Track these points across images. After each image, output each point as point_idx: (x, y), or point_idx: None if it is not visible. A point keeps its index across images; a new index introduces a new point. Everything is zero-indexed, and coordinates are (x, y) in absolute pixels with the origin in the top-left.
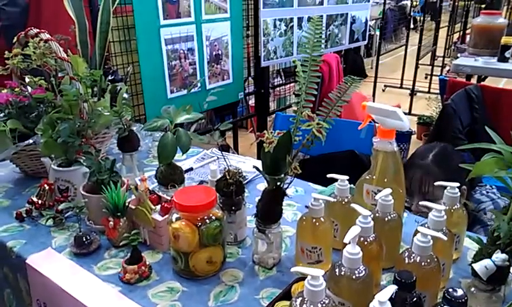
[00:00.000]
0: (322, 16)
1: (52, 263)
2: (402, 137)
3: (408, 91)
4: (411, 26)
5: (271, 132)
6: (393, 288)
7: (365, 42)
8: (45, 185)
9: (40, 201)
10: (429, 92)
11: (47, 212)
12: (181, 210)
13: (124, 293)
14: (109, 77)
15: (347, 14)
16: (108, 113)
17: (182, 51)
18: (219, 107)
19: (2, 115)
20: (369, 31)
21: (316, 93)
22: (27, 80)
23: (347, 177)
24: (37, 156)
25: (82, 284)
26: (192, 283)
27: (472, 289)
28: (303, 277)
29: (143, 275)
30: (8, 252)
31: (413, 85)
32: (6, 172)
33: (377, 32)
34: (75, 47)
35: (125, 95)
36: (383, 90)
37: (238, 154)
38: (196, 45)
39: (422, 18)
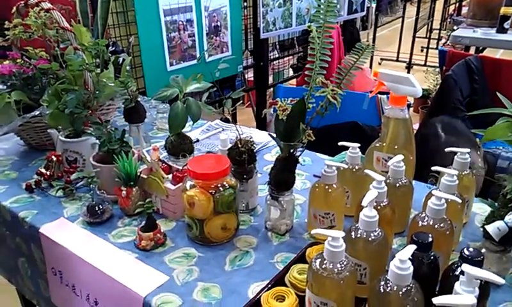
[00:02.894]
0: None
1: (66, 232)
2: None
3: (405, 64)
4: None
5: (284, 100)
6: (413, 248)
7: (363, 13)
8: (53, 157)
9: (48, 173)
10: (425, 65)
11: (57, 183)
12: (196, 178)
13: (141, 259)
14: (110, 48)
15: None
16: (113, 84)
17: (180, 22)
18: (218, 80)
19: (5, 87)
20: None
21: (329, 59)
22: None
23: (358, 144)
24: (43, 128)
25: (98, 252)
26: (208, 248)
27: (483, 250)
28: (315, 243)
29: (159, 242)
30: (21, 222)
31: (410, 58)
32: (9, 145)
33: (373, 5)
34: (75, 17)
35: (127, 67)
36: (379, 63)
37: None
38: (195, 16)
39: None
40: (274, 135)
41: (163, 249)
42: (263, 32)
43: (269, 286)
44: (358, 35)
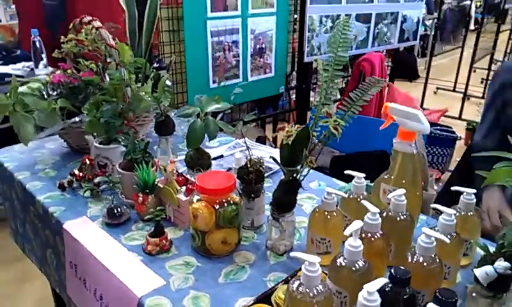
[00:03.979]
0: (339, 16)
1: (85, 229)
2: (448, 142)
3: (461, 95)
4: (472, 27)
5: (291, 126)
6: (383, 281)
7: (416, 42)
8: (87, 160)
9: (80, 174)
10: (483, 97)
11: (86, 184)
12: (201, 192)
13: (145, 262)
14: (155, 65)
15: (397, 13)
16: (149, 98)
17: (226, 43)
18: (261, 99)
19: (54, 94)
20: (425, 30)
21: (337, 90)
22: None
23: (364, 175)
24: (83, 133)
25: (108, 251)
26: (208, 260)
27: (474, 294)
28: None
29: (164, 249)
30: (50, 217)
31: (466, 89)
32: (55, 146)
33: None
34: (124, 35)
35: (168, 83)
36: (435, 92)
37: (276, 146)
38: (241, 38)
39: (482, 20)
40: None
41: (167, 255)
42: (307, 56)
43: (252, 302)
44: (415, 62)
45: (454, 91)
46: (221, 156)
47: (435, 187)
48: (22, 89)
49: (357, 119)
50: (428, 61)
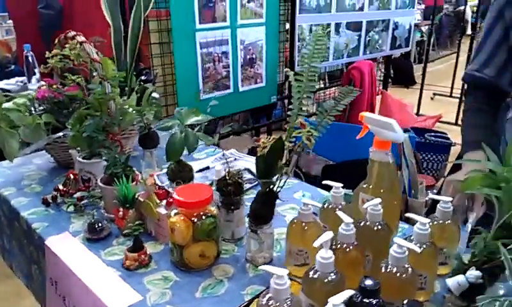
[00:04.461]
0: (329, 24)
1: (66, 245)
2: (442, 148)
3: (457, 100)
4: (469, 32)
5: (267, 138)
6: (349, 293)
7: (409, 48)
8: (71, 175)
9: (64, 189)
10: None
11: (69, 200)
12: (178, 205)
13: (123, 277)
14: (142, 77)
15: (389, 20)
16: (133, 112)
17: (216, 54)
18: (254, 108)
19: (40, 109)
20: (421, 36)
21: (311, 100)
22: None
23: (341, 185)
24: (67, 148)
25: (87, 267)
26: (186, 274)
27: (449, 304)
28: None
29: (142, 263)
30: (33, 233)
31: (461, 94)
32: (42, 161)
33: (431, 39)
34: (110, 49)
35: (156, 95)
36: (432, 98)
37: None
38: (231, 48)
39: (477, 25)
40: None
41: (146, 270)
42: (297, 65)
43: None
44: (411, 68)
45: (450, 96)
46: (207, 168)
47: (429, 194)
48: (7, 105)
49: (348, 128)
50: (423, 67)
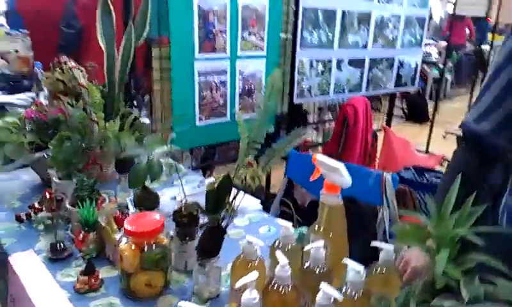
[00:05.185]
0: (330, 60)
1: (28, 263)
2: None
3: None
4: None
5: (218, 176)
6: None
7: (414, 87)
8: (47, 194)
9: (38, 207)
10: None
11: (41, 218)
12: (127, 234)
13: (71, 300)
14: (135, 103)
15: (393, 58)
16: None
17: (214, 83)
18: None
19: (27, 128)
20: (440, 74)
21: (262, 142)
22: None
23: (291, 224)
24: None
25: (41, 287)
26: (132, 302)
27: None
28: None
29: (92, 287)
30: (0, 247)
31: None
32: (29, 177)
33: (449, 76)
34: (102, 73)
35: (146, 120)
36: (444, 136)
37: (267, 187)
38: (229, 78)
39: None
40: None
41: (95, 294)
42: (297, 98)
43: None
44: (426, 105)
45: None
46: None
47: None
48: None
49: None
50: (434, 105)
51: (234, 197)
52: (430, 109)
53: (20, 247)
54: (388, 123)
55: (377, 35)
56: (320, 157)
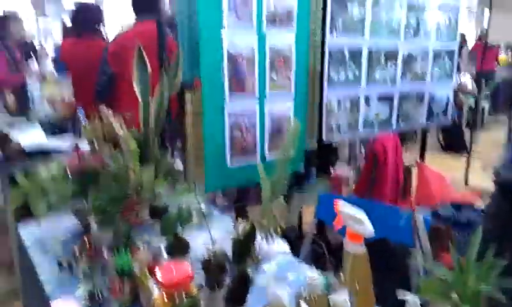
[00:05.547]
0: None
1: None
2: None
3: None
4: None
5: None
6: None
7: (447, 120)
8: (86, 240)
9: (78, 253)
10: None
11: (81, 264)
12: (158, 284)
13: None
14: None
15: (423, 92)
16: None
17: (244, 124)
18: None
19: (69, 176)
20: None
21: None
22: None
23: (318, 272)
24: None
25: None
26: None
27: None
28: None
29: None
30: (43, 293)
31: None
32: (70, 223)
33: (486, 105)
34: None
35: (180, 165)
36: (484, 169)
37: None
38: (258, 119)
39: None
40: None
41: None
42: (325, 136)
43: None
44: (462, 135)
45: None
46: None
47: None
48: (43, 171)
49: (368, 205)
50: (470, 135)
51: (259, 246)
52: (468, 138)
53: (61, 292)
54: (422, 156)
55: (405, 70)
56: (342, 206)
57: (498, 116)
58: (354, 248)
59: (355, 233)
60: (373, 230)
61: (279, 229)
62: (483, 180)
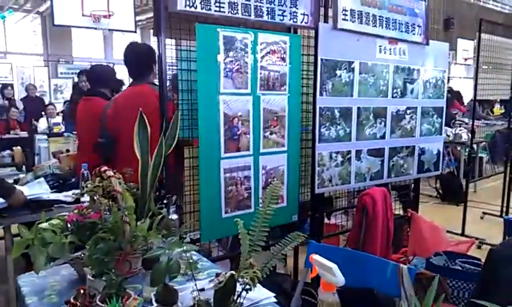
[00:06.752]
0: (349, 151)
1: None
2: (471, 276)
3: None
4: None
5: (225, 273)
6: None
7: (437, 172)
8: (81, 290)
9: (74, 302)
10: None
11: None
12: None
13: None
14: (165, 201)
15: (414, 146)
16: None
17: (239, 178)
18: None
19: (68, 229)
20: (474, 155)
21: (263, 244)
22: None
23: None
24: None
25: None
26: None
27: None
28: None
29: None
30: None
31: (507, 213)
32: (67, 273)
33: (484, 156)
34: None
35: (175, 216)
36: (481, 217)
37: (293, 274)
38: (253, 173)
39: None
40: None
41: None
42: (317, 188)
43: None
44: (460, 185)
45: (501, 216)
46: (203, 289)
47: None
48: (44, 225)
49: (358, 257)
50: (465, 186)
51: (239, 295)
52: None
53: None
54: (416, 207)
55: (394, 126)
56: (315, 257)
57: (497, 166)
58: (326, 296)
59: (327, 282)
60: (343, 280)
61: (256, 279)
62: (481, 230)
